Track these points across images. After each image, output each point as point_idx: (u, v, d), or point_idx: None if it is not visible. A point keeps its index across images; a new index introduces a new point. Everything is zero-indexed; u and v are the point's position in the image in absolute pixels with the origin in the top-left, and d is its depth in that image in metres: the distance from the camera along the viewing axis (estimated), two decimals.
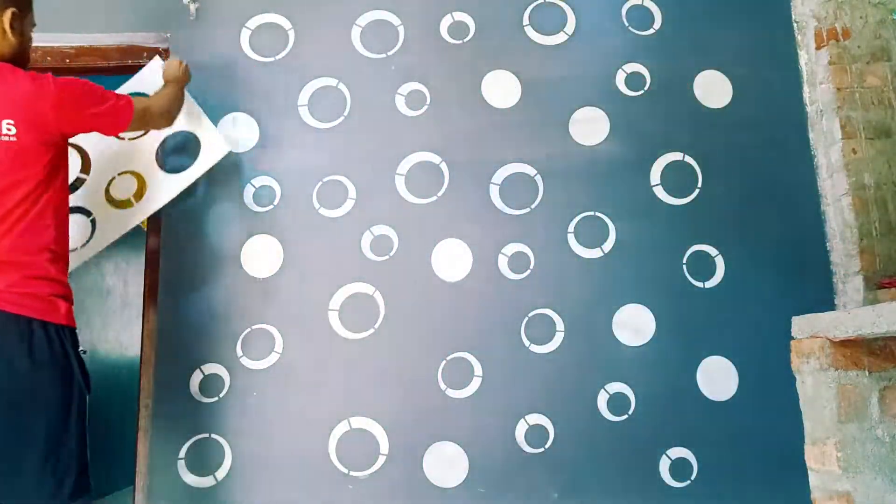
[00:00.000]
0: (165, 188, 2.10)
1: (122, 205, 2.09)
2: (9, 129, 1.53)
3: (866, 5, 2.37)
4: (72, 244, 1.78)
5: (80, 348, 1.63)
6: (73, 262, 1.87)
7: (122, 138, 2.13)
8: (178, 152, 2.18)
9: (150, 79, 2.16)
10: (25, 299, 1.51)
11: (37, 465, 1.48)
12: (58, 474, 1.49)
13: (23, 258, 1.54)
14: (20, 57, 1.68)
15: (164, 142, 2.16)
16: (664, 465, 2.18)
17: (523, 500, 2.13)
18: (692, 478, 2.17)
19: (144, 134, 2.12)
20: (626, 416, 2.19)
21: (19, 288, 1.52)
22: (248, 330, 2.20)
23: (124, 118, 1.76)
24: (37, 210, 1.58)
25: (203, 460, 2.11)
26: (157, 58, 2.24)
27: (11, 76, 1.59)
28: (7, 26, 1.62)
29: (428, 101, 2.37)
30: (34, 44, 2.29)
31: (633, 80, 2.42)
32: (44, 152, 1.59)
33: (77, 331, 1.62)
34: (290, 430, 2.14)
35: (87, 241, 2.05)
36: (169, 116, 1.95)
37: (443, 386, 2.19)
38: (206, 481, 2.10)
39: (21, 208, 1.55)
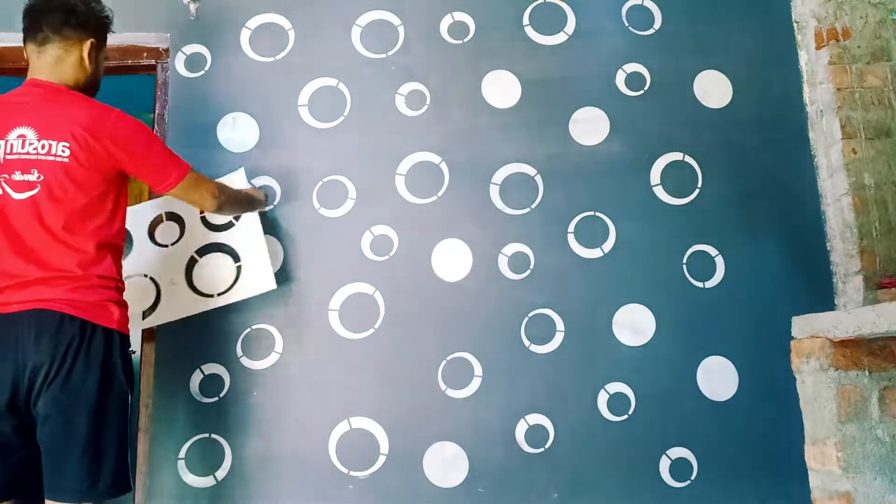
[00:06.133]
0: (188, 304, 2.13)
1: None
2: (63, 151, 1.60)
3: (866, 5, 2.37)
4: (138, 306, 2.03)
5: (130, 349, 1.70)
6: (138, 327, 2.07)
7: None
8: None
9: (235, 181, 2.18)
10: (81, 304, 1.58)
11: (77, 461, 1.53)
12: (93, 471, 1.55)
13: (77, 272, 1.60)
14: (91, 86, 1.76)
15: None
16: (664, 465, 2.17)
17: (523, 500, 2.13)
18: (692, 478, 2.17)
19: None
20: (626, 416, 2.19)
21: (76, 294, 1.58)
22: (248, 330, 2.20)
23: (174, 178, 1.76)
24: (92, 234, 1.63)
25: (203, 460, 2.11)
26: (241, 170, 2.23)
27: (75, 103, 1.67)
28: (86, 55, 1.71)
29: (428, 101, 2.37)
30: None
31: (633, 80, 2.42)
32: (98, 181, 1.64)
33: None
34: (290, 430, 2.14)
35: (152, 309, 2.12)
36: (220, 203, 1.88)
37: (443, 386, 2.19)
38: (206, 481, 2.10)
39: (76, 230, 1.61)
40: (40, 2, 1.70)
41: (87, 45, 1.71)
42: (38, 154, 1.60)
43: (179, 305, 2.11)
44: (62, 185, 1.60)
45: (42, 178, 1.59)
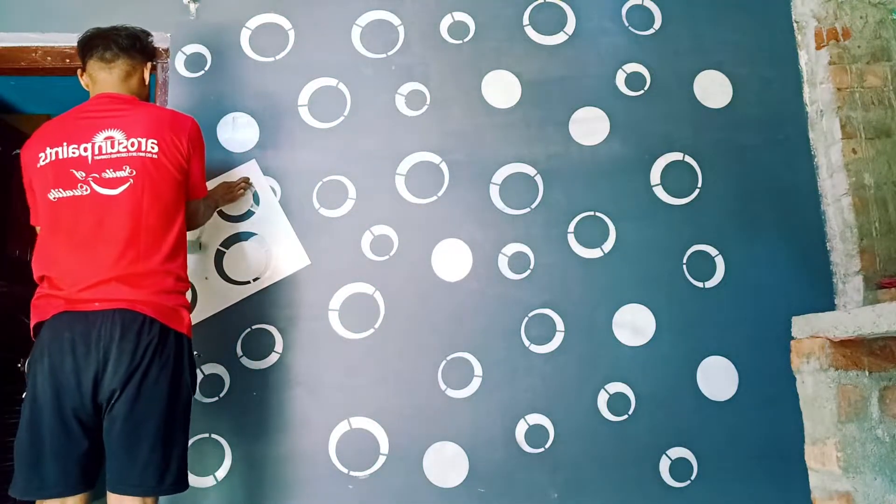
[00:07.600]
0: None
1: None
2: (152, 147, 1.73)
3: (866, 5, 2.37)
4: None
5: (195, 353, 1.80)
6: None
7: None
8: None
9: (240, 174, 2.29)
10: (161, 308, 1.66)
11: (147, 457, 1.59)
12: (162, 468, 1.61)
13: (159, 269, 1.69)
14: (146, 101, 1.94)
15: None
16: (664, 465, 2.18)
17: (523, 500, 2.13)
18: (692, 478, 2.17)
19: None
20: (626, 416, 2.19)
21: (157, 298, 1.67)
22: (248, 330, 2.20)
23: (203, 190, 1.91)
24: (174, 229, 1.74)
25: (203, 460, 2.11)
26: (253, 162, 2.30)
27: (154, 107, 1.87)
28: (146, 76, 1.90)
29: (428, 101, 2.37)
30: (34, 44, 2.33)
31: (633, 80, 2.42)
32: (177, 177, 1.77)
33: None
34: (290, 430, 2.14)
35: (192, 307, 2.17)
36: (199, 223, 2.02)
37: (443, 386, 2.19)
38: (206, 481, 2.10)
39: (161, 223, 1.71)
40: (107, 29, 1.87)
41: (148, 67, 1.90)
42: (128, 152, 1.70)
43: (218, 298, 2.21)
44: (152, 179, 1.71)
45: (134, 172, 1.69)
